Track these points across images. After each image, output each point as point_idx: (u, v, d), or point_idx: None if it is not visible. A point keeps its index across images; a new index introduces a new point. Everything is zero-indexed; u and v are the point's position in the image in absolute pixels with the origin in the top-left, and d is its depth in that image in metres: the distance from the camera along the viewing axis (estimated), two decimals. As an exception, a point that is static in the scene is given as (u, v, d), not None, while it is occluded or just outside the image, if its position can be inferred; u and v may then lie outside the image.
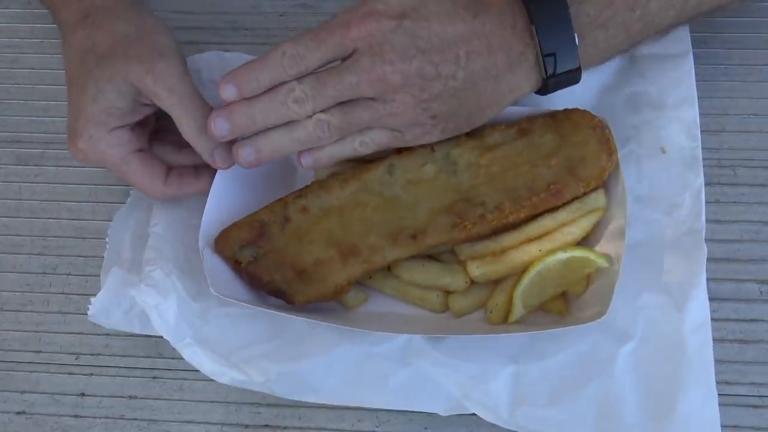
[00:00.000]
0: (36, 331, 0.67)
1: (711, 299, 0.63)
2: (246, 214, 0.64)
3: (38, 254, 0.71)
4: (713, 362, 0.57)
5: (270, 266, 0.62)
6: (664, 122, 0.65)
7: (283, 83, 0.57)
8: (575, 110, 0.63)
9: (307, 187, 0.64)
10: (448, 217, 0.61)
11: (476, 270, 0.61)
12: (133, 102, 0.62)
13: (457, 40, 0.56)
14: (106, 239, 0.67)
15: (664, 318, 0.59)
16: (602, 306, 0.56)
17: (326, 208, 0.63)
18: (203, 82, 0.73)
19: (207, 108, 0.61)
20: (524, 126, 0.63)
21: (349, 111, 0.58)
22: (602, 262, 0.60)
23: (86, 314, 0.64)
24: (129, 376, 0.65)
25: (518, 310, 0.60)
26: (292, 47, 0.56)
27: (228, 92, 0.58)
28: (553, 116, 0.63)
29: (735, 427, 0.60)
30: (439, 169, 0.63)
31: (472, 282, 0.62)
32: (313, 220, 0.63)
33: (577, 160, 0.61)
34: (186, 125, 0.61)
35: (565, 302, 0.62)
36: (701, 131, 0.65)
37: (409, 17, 0.55)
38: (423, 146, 0.63)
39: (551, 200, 0.61)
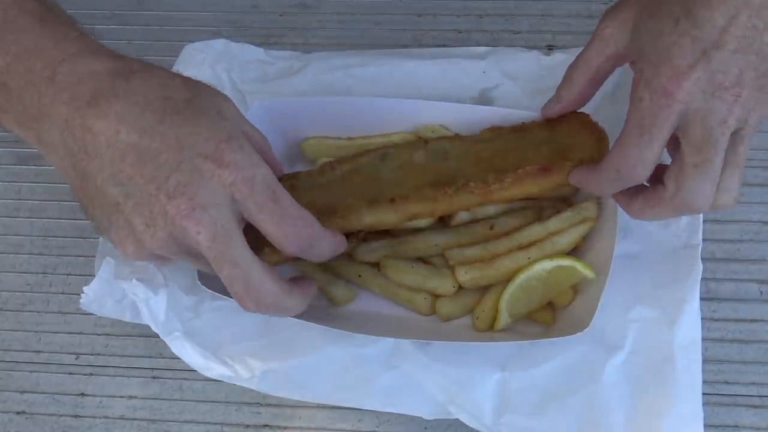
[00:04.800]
0: (36, 331, 0.67)
1: (711, 299, 0.63)
2: None
3: (38, 254, 0.71)
4: (701, 381, 0.57)
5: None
6: None
7: None
8: (572, 112, 0.63)
9: (301, 171, 0.65)
10: (431, 188, 0.60)
11: (464, 275, 0.61)
12: None
13: None
14: None
15: (655, 332, 0.59)
16: (586, 320, 0.56)
17: (314, 185, 0.63)
18: (205, 67, 0.73)
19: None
20: (519, 126, 0.63)
21: None
22: (588, 274, 0.59)
23: (86, 314, 0.64)
24: (129, 376, 0.65)
25: (503, 318, 0.60)
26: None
27: None
28: (550, 119, 0.63)
29: (735, 427, 0.60)
30: (430, 157, 0.63)
31: (461, 287, 0.62)
32: (298, 194, 0.62)
33: (566, 146, 0.60)
34: (265, 144, 0.57)
35: (552, 312, 0.62)
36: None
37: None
38: (418, 140, 0.64)
39: (539, 176, 0.59)
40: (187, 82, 0.52)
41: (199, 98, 0.51)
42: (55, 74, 0.49)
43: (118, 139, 0.48)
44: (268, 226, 0.50)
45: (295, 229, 0.51)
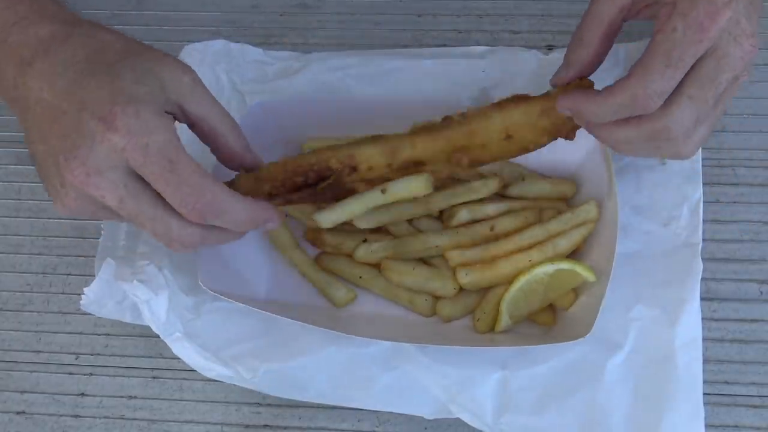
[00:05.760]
0: (36, 331, 0.67)
1: (711, 299, 0.63)
2: None
3: (38, 254, 0.71)
4: (702, 379, 0.57)
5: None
6: None
7: None
8: None
9: None
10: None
11: (465, 277, 0.61)
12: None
13: None
14: (102, 224, 0.67)
15: (656, 331, 0.59)
16: (587, 324, 0.56)
17: None
18: (204, 68, 0.73)
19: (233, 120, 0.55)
20: None
21: None
22: (589, 277, 0.60)
23: (86, 314, 0.64)
24: (129, 376, 0.65)
25: (504, 320, 0.61)
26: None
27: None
28: None
29: (735, 427, 0.60)
30: None
31: (461, 289, 0.62)
32: None
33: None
34: (231, 134, 0.54)
35: (553, 314, 0.62)
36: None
37: None
38: None
39: (520, 101, 0.56)
40: (129, 45, 0.51)
41: (127, 60, 0.49)
42: (7, 36, 0.50)
43: (41, 97, 0.48)
44: (167, 196, 0.49)
45: (192, 198, 0.48)
